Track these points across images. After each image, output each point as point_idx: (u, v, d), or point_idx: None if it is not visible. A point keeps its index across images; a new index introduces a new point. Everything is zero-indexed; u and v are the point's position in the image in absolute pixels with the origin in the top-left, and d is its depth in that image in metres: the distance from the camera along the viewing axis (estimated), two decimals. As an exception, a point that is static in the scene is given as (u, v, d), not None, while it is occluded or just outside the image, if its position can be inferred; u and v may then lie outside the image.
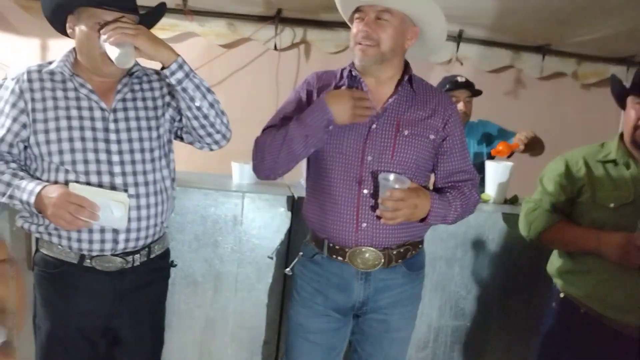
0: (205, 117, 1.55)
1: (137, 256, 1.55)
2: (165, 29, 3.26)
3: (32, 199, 1.39)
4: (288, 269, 1.79)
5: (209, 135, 1.60)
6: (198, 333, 2.08)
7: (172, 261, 1.74)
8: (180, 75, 1.46)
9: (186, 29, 3.36)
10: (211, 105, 1.55)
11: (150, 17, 1.61)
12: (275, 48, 3.43)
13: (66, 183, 1.43)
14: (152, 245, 1.60)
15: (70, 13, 1.48)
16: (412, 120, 1.63)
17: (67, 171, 1.44)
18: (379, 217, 1.56)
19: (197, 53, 3.42)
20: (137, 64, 1.57)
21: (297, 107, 1.67)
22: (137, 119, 1.55)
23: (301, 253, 1.76)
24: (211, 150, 1.67)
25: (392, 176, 1.53)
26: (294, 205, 2.04)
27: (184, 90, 1.49)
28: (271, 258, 2.08)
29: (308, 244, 1.75)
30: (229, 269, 2.06)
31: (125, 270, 1.54)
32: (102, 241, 1.48)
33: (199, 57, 3.41)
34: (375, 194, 1.59)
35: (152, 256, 1.61)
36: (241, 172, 2.26)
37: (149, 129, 1.56)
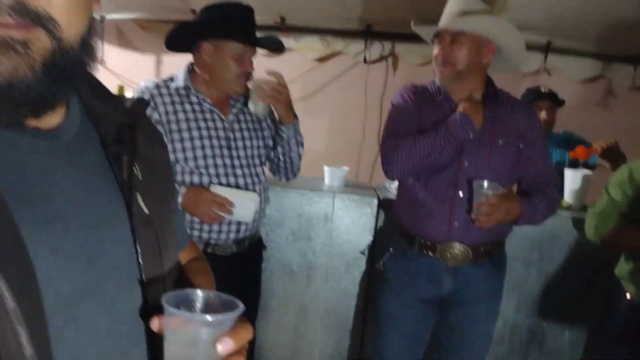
0: (291, 161, 1.92)
1: (247, 242, 1.84)
2: (264, 45, 3.58)
3: (180, 200, 1.70)
4: (379, 264, 1.98)
5: (286, 172, 1.96)
6: (293, 317, 2.34)
7: (264, 245, 2.06)
8: (290, 132, 1.84)
9: (284, 45, 3.65)
10: (299, 156, 1.93)
11: (270, 45, 1.90)
12: (365, 61, 3.65)
13: (200, 184, 1.73)
14: (254, 233, 1.89)
15: (207, 40, 1.74)
16: (504, 130, 1.79)
17: (201, 174, 1.74)
18: (473, 220, 1.73)
19: (292, 66, 3.71)
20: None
21: (411, 116, 1.85)
22: (248, 129, 1.84)
23: (391, 249, 1.95)
24: (280, 180, 2.03)
25: (486, 183, 1.68)
26: (380, 205, 2.25)
27: (287, 141, 1.86)
28: (362, 253, 2.29)
29: (398, 240, 1.93)
30: (321, 261, 2.30)
31: (236, 254, 1.83)
32: (228, 232, 1.78)
33: (294, 70, 3.69)
34: (468, 197, 1.77)
35: (254, 242, 1.91)
36: (332, 174, 2.49)
37: (257, 138, 1.87)
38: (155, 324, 0.63)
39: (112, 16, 3.61)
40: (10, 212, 0.55)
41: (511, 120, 1.81)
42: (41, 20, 0.54)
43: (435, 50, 1.78)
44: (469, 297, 1.82)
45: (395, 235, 1.94)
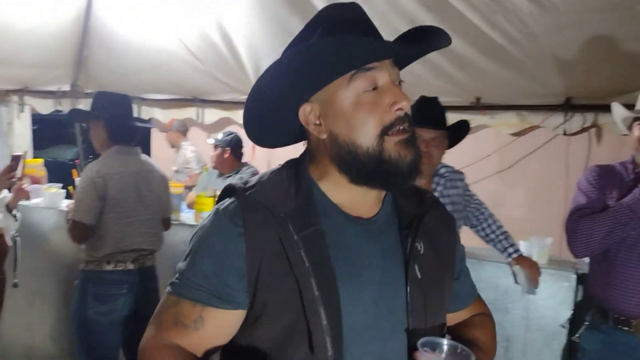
0: None
1: None
2: (463, 124, 3.79)
3: None
4: (576, 336, 2.00)
5: None
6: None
7: None
8: None
9: (479, 122, 3.80)
10: None
11: (457, 134, 2.14)
12: (565, 133, 3.61)
13: None
14: None
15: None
16: None
17: None
18: None
19: (488, 142, 3.85)
20: None
21: (597, 194, 1.93)
22: None
23: (587, 322, 1.96)
24: None
25: None
26: (578, 280, 2.23)
27: None
28: (564, 327, 2.28)
29: (593, 314, 1.94)
30: (518, 333, 2.34)
31: None
32: None
33: (489, 145, 3.83)
34: None
35: None
36: (527, 248, 2.53)
37: None
38: (414, 357, 0.94)
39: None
40: (334, 270, 0.95)
41: None
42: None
43: (639, 132, 1.83)
44: None
45: (591, 308, 1.95)
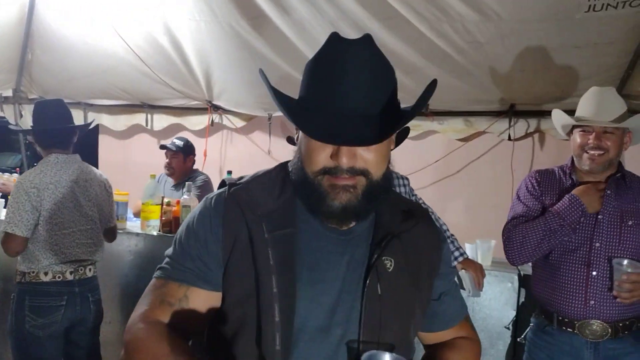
0: None
1: None
2: (411, 129, 3.85)
3: None
4: (521, 338, 2.05)
5: None
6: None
7: None
8: None
9: (428, 128, 3.88)
10: None
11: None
12: (509, 138, 3.73)
13: None
14: None
15: None
16: (633, 211, 1.85)
17: None
18: (615, 297, 1.77)
19: (436, 147, 3.92)
20: None
21: (534, 201, 1.99)
22: None
23: (532, 324, 2.01)
24: None
25: (625, 261, 1.75)
26: (521, 281, 2.29)
27: None
28: (508, 328, 2.33)
29: (538, 316, 1.99)
30: (464, 335, 2.37)
31: None
32: None
33: (438, 151, 3.90)
34: (603, 276, 1.82)
35: None
36: (474, 250, 2.59)
37: None
38: None
39: (277, 114, 4.18)
40: (295, 272, 1.01)
41: (638, 201, 1.85)
42: (362, 173, 1.00)
43: (581, 138, 1.89)
44: None
45: (536, 310, 2.00)
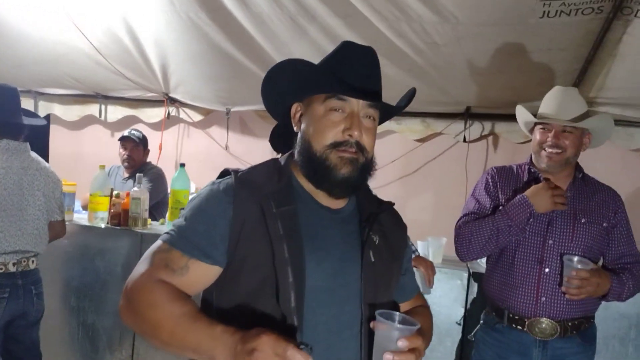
0: None
1: None
2: (369, 128, 3.86)
3: None
4: (471, 335, 2.07)
5: None
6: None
7: None
8: None
9: (386, 127, 3.90)
10: None
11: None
12: (465, 140, 3.80)
13: None
14: None
15: None
16: (587, 210, 1.89)
17: None
18: (564, 293, 1.81)
19: (394, 147, 3.96)
20: None
21: (488, 198, 2.01)
22: None
23: (482, 321, 2.03)
24: None
25: (576, 258, 1.79)
26: (470, 278, 2.33)
27: None
28: (459, 324, 2.36)
29: (488, 313, 2.02)
30: (414, 332, 2.39)
31: None
32: None
33: (396, 150, 3.94)
34: (555, 273, 1.85)
35: None
36: (426, 247, 2.61)
37: None
38: (372, 324, 1.15)
39: (236, 109, 4.14)
40: (302, 241, 1.19)
41: (595, 201, 1.90)
42: (362, 150, 1.22)
43: (541, 136, 1.92)
44: None
45: (486, 308, 2.03)
